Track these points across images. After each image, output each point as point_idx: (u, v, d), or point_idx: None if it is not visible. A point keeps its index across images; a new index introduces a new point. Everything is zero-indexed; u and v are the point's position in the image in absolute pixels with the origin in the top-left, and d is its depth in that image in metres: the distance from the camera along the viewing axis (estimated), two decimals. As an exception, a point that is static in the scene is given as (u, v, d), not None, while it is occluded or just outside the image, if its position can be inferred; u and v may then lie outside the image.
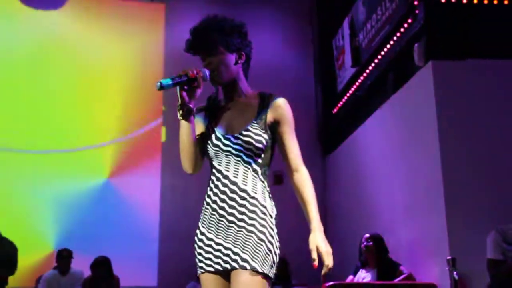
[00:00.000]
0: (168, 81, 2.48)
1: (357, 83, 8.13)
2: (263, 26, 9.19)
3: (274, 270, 2.54)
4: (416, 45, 6.12)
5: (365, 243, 6.24)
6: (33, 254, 8.45)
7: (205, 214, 2.64)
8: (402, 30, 6.58)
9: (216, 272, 2.53)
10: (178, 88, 2.53)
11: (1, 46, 9.81)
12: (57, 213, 9.17)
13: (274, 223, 2.60)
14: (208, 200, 2.62)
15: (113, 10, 10.37)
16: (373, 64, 7.52)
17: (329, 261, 2.44)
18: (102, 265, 7.55)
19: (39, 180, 9.38)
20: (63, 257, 7.68)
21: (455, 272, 4.82)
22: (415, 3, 6.18)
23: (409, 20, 6.39)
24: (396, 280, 5.80)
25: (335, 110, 9.01)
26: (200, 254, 2.60)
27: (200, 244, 2.62)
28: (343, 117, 8.80)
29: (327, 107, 9.33)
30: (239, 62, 2.68)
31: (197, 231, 2.66)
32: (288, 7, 9.99)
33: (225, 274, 2.52)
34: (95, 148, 9.68)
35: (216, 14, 2.71)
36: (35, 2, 10.10)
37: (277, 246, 2.57)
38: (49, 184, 9.37)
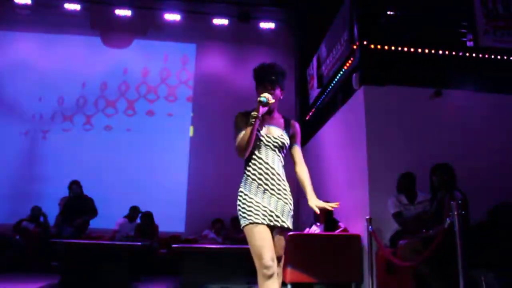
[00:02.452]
0: (264, 100, 2.69)
1: (320, 100, 8.11)
2: (260, 59, 9.20)
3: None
4: (354, 75, 6.08)
5: None
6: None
7: (252, 185, 2.73)
8: (347, 64, 6.54)
9: (264, 224, 2.65)
10: (260, 105, 2.70)
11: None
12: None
13: (289, 191, 2.83)
14: (253, 177, 2.73)
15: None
16: (330, 87, 7.50)
17: (330, 204, 2.81)
18: (147, 217, 7.72)
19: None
20: (136, 210, 7.89)
21: (370, 227, 4.89)
22: (354, 47, 6.16)
23: (351, 58, 6.36)
24: (336, 231, 5.85)
25: (307, 117, 8.96)
26: (250, 211, 2.67)
27: (250, 204, 2.69)
28: (311, 123, 8.72)
29: (302, 115, 9.27)
30: (281, 96, 2.90)
31: (244, 196, 2.73)
32: (277, 47, 10.00)
33: (269, 227, 2.67)
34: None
35: (275, 63, 2.88)
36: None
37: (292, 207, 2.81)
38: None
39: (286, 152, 2.87)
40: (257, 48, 10.02)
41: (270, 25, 10.36)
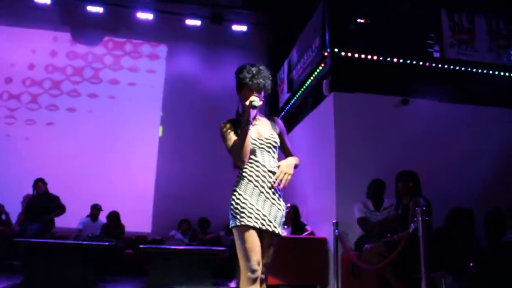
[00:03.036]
0: (257, 105, 2.64)
1: (290, 103, 8.13)
2: (232, 61, 9.11)
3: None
4: (324, 81, 6.18)
5: (286, 210, 6.43)
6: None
7: (248, 186, 2.68)
8: (317, 70, 6.60)
9: (255, 228, 2.60)
10: (250, 108, 2.63)
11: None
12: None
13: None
14: (250, 178, 2.69)
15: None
16: (300, 92, 7.54)
17: (279, 174, 2.66)
18: (114, 216, 7.62)
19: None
20: (97, 209, 7.79)
21: (336, 231, 4.99)
22: (326, 54, 6.23)
23: (322, 65, 6.42)
24: (303, 234, 5.96)
25: None
26: (243, 212, 2.61)
27: (244, 205, 2.63)
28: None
29: None
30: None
31: (239, 196, 2.66)
32: (249, 50, 9.96)
33: (259, 230, 2.62)
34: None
35: (261, 66, 2.82)
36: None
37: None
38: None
39: (278, 151, 2.84)
40: (228, 50, 10.00)
41: (243, 27, 10.40)
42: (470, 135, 6.08)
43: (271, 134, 2.79)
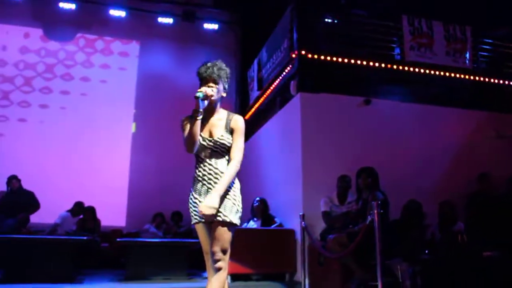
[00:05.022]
0: (201, 95, 2.70)
1: (260, 101, 8.32)
2: (202, 58, 9.18)
3: (238, 216, 2.82)
4: (292, 82, 6.43)
5: (256, 203, 6.58)
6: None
7: (197, 185, 2.83)
8: (285, 71, 6.83)
9: (202, 221, 2.83)
10: (199, 99, 2.71)
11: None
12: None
13: (237, 187, 2.88)
14: (198, 178, 2.83)
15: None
16: (269, 90, 7.74)
17: (201, 209, 2.66)
18: (89, 211, 7.76)
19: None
20: (80, 207, 7.84)
21: (303, 222, 5.22)
22: (293, 56, 6.48)
23: (289, 66, 6.66)
24: (272, 226, 6.22)
25: (247, 117, 9.04)
26: (195, 211, 2.82)
27: (195, 204, 2.82)
28: (251, 122, 8.70)
29: (242, 115, 9.20)
30: (224, 94, 2.92)
31: (191, 196, 2.86)
32: (220, 48, 10.19)
33: (210, 222, 2.78)
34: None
35: (218, 61, 2.88)
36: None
37: (240, 203, 2.83)
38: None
39: (230, 150, 2.87)
40: (200, 48, 10.16)
41: (214, 26, 10.62)
42: (428, 134, 6.49)
43: (221, 135, 2.83)
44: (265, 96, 8.03)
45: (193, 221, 2.88)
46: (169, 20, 10.34)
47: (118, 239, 6.63)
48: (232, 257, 5.49)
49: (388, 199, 4.78)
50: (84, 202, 7.92)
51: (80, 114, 9.65)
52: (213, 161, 2.83)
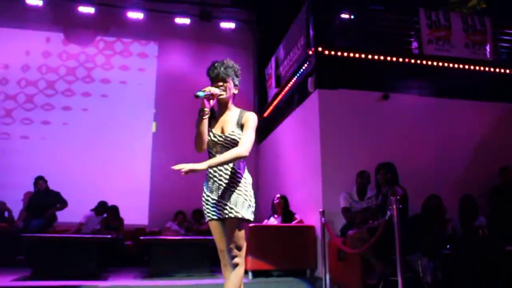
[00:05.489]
0: (201, 94, 2.70)
1: (278, 98, 8.30)
2: (220, 57, 9.25)
3: (250, 211, 2.81)
4: (309, 78, 6.41)
5: (277, 200, 6.59)
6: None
7: (209, 182, 2.85)
8: (303, 68, 6.80)
9: (217, 220, 2.85)
10: (204, 99, 2.73)
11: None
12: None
13: (249, 183, 2.87)
14: (210, 175, 2.84)
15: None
16: (286, 88, 7.70)
17: (182, 166, 2.59)
18: (113, 210, 7.90)
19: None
20: (103, 205, 7.99)
21: (323, 218, 5.28)
22: (310, 53, 6.47)
23: (307, 63, 6.65)
24: (293, 223, 6.26)
25: (266, 114, 9.10)
26: (207, 208, 2.85)
27: (207, 202, 2.85)
28: (269, 120, 8.95)
29: (261, 112, 9.35)
30: (235, 90, 2.95)
31: (203, 194, 2.88)
32: (237, 46, 10.29)
33: (222, 219, 2.81)
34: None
35: (225, 59, 2.91)
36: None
37: (252, 198, 2.83)
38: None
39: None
40: (217, 47, 10.24)
41: (231, 25, 10.67)
42: (447, 128, 6.45)
43: (232, 131, 2.83)
44: (283, 93, 8.04)
45: (207, 218, 2.91)
46: (186, 21, 10.42)
47: (141, 237, 6.75)
48: (253, 254, 5.71)
49: (408, 194, 4.78)
50: (107, 201, 8.06)
51: (101, 115, 9.81)
52: None
